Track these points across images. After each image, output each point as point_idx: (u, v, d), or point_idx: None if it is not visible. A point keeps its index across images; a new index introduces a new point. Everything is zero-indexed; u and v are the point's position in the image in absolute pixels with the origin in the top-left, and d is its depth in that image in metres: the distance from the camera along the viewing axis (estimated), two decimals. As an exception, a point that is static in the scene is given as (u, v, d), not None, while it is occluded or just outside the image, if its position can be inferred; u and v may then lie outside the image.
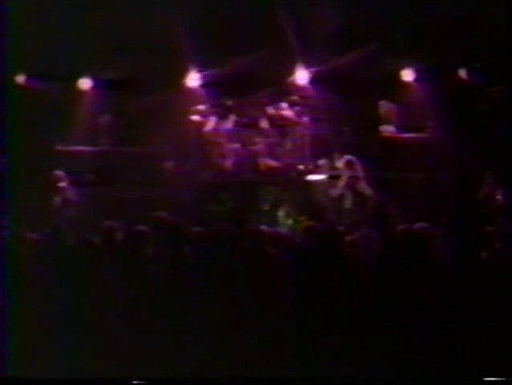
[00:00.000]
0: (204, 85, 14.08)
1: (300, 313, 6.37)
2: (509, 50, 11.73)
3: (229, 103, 13.87)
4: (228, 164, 13.55)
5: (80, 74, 14.06)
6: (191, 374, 6.25)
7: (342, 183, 11.45)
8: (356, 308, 6.27)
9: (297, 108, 13.72)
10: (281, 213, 12.22)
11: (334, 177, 12.27)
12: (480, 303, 6.20)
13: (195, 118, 13.88)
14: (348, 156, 11.68)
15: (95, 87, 14.17)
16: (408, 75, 13.51)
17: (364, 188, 11.26)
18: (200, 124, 13.81)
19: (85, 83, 14.12)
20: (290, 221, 12.03)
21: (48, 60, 13.33)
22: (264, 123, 13.65)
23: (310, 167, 13.28)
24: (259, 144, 13.59)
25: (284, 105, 13.72)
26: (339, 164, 11.81)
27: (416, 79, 13.49)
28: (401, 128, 13.51)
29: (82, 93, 14.16)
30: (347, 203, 11.24)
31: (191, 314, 6.49)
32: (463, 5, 12.37)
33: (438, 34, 12.57)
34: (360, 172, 11.38)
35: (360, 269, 6.60)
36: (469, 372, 6.00)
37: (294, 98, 13.80)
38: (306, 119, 13.69)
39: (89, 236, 7.77)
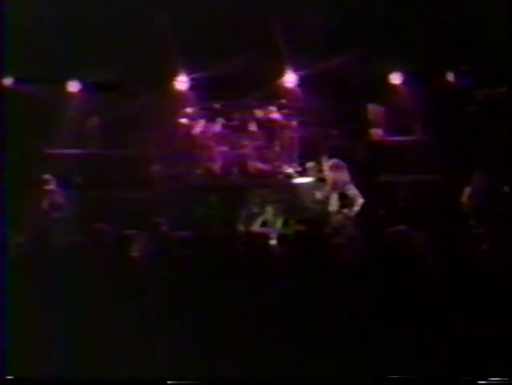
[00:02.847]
0: (192, 88, 14.09)
1: (289, 315, 6.38)
2: (500, 54, 11.78)
3: (217, 105, 13.89)
4: (216, 166, 13.55)
5: (68, 77, 14.04)
6: (189, 375, 6.24)
7: (329, 186, 11.46)
8: (343, 311, 6.28)
9: (285, 111, 13.75)
10: (269, 216, 12.21)
11: (321, 180, 12.29)
12: (470, 304, 6.22)
13: (183, 121, 13.88)
14: (335, 159, 11.69)
15: (83, 90, 14.14)
16: (396, 78, 13.57)
17: (352, 190, 11.27)
18: (188, 127, 13.81)
19: (73, 86, 14.11)
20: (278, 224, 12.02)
21: (36, 63, 13.28)
22: (252, 126, 13.67)
23: (299, 169, 13.32)
24: (247, 147, 13.61)
25: (272, 108, 13.74)
26: (327, 166, 11.82)
27: (404, 82, 13.54)
28: (389, 131, 13.56)
29: (70, 96, 14.14)
30: (334, 206, 11.24)
31: (184, 316, 6.49)
32: (453, 8, 12.42)
33: (426, 37, 12.61)
34: (347, 175, 11.38)
35: (347, 272, 6.61)
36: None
37: (283, 101, 13.84)
38: (294, 122, 13.73)
39: (77, 238, 7.77)
